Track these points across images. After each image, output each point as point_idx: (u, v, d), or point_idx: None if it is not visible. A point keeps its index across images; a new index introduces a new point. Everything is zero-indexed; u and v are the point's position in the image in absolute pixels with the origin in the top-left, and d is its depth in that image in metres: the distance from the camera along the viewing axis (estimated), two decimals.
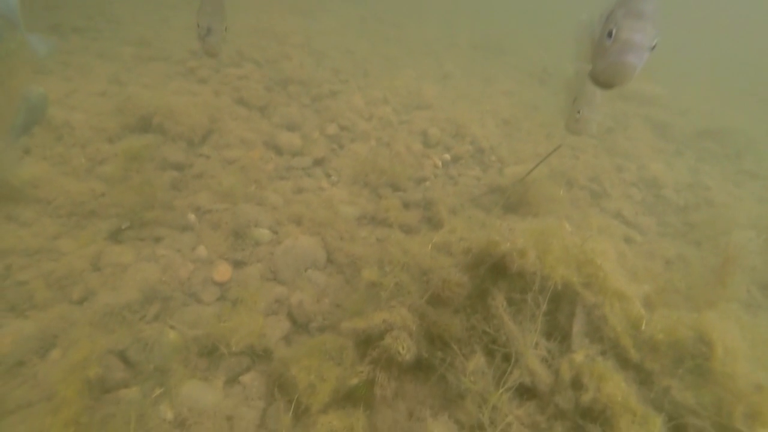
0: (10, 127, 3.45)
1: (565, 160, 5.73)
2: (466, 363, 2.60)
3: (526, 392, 2.47)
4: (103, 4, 7.05)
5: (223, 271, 3.30)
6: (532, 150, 5.59)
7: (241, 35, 6.97)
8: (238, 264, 3.42)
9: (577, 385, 2.51)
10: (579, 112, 3.70)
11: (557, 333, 2.74)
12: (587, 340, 2.85)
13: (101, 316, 2.70)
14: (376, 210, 4.41)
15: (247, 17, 7.66)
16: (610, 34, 1.97)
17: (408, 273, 3.04)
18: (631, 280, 3.33)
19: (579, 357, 2.57)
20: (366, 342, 2.67)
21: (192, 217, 3.71)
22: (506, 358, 2.56)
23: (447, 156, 5.41)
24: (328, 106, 5.84)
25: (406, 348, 2.59)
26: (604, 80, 2.01)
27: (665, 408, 2.47)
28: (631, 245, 4.71)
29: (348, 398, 2.53)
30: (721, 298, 3.02)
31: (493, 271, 2.84)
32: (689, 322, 2.92)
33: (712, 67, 9.86)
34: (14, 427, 2.19)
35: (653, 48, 1.97)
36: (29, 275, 2.88)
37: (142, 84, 5.26)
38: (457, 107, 6.37)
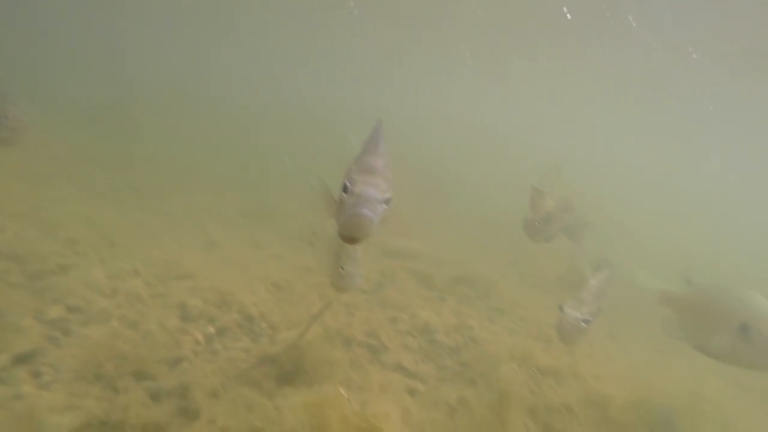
0: None
1: (341, 318, 5.55)
2: None
3: None
4: None
5: None
6: (305, 312, 5.28)
7: None
8: None
9: None
10: (342, 268, 3.72)
11: None
12: None
13: None
14: (109, 411, 3.33)
15: None
16: (345, 189, 2.05)
17: None
18: None
19: None
20: None
21: None
22: None
23: (210, 328, 4.67)
24: (53, 285, 4.68)
25: None
26: (346, 234, 2.04)
27: None
28: (415, 396, 4.50)
29: None
30: None
31: None
32: None
33: (459, 220, 11.66)
34: None
35: (388, 202, 2.07)
36: None
37: None
38: (222, 274, 5.84)
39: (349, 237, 2.01)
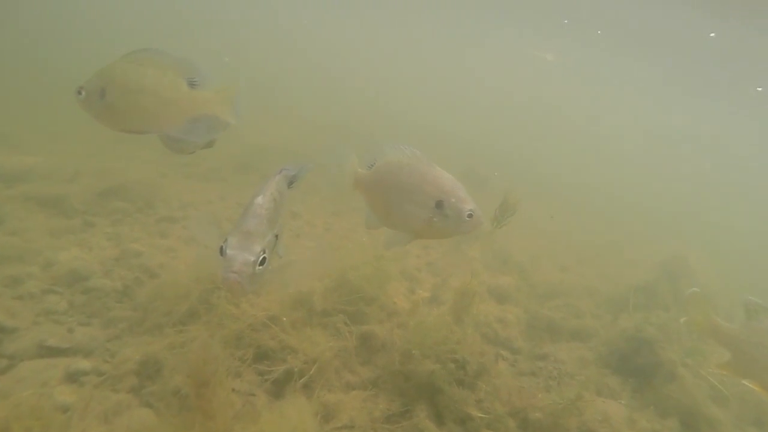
0: None
1: None
2: None
3: None
4: None
5: None
6: None
7: None
8: None
9: None
10: None
11: None
12: None
13: None
14: None
15: None
16: (221, 251, 1.95)
17: None
18: None
19: None
20: None
21: None
22: None
23: None
24: None
25: None
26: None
27: None
28: (82, 383, 3.24)
29: None
30: None
31: None
32: None
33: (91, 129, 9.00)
34: None
35: (263, 262, 1.94)
36: None
37: None
38: None
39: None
